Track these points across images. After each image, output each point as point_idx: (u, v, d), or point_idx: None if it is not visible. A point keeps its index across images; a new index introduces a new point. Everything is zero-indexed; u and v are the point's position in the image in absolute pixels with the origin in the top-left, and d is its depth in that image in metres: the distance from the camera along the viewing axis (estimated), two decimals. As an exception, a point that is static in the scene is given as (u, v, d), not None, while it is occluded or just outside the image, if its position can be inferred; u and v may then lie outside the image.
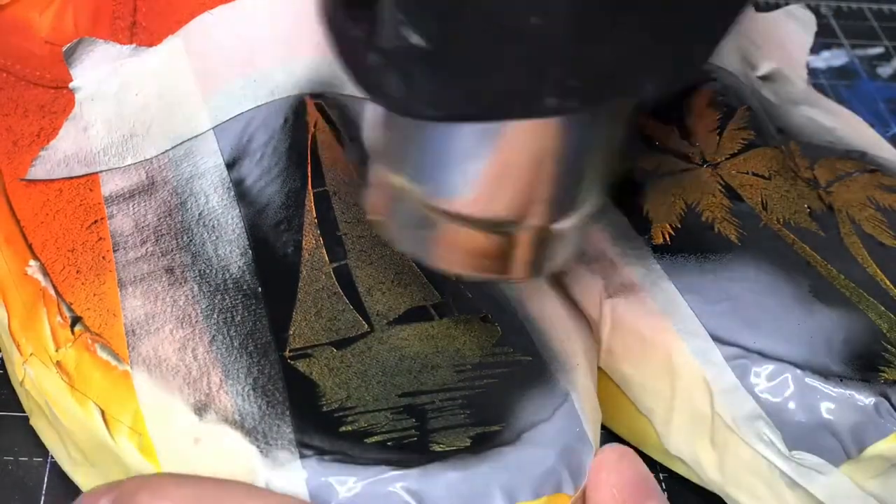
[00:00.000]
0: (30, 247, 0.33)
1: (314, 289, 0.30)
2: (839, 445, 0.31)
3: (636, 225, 0.35)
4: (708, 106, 0.37)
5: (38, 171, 0.34)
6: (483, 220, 0.26)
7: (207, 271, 0.31)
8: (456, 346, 0.30)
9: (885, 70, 0.54)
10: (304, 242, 0.31)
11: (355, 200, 0.32)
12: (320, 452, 0.27)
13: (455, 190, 0.26)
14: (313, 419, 0.28)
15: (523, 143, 0.25)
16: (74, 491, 0.32)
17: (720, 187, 0.35)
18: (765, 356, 0.31)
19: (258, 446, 0.27)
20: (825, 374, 0.31)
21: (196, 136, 0.33)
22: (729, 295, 0.33)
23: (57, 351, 0.31)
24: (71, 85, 0.34)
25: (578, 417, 0.29)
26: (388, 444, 0.28)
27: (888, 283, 0.33)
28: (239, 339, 0.29)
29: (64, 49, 0.34)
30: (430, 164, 0.26)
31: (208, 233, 0.32)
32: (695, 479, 0.34)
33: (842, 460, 0.31)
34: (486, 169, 0.25)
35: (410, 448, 0.28)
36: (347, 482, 0.27)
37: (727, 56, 0.39)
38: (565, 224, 0.27)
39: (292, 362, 0.29)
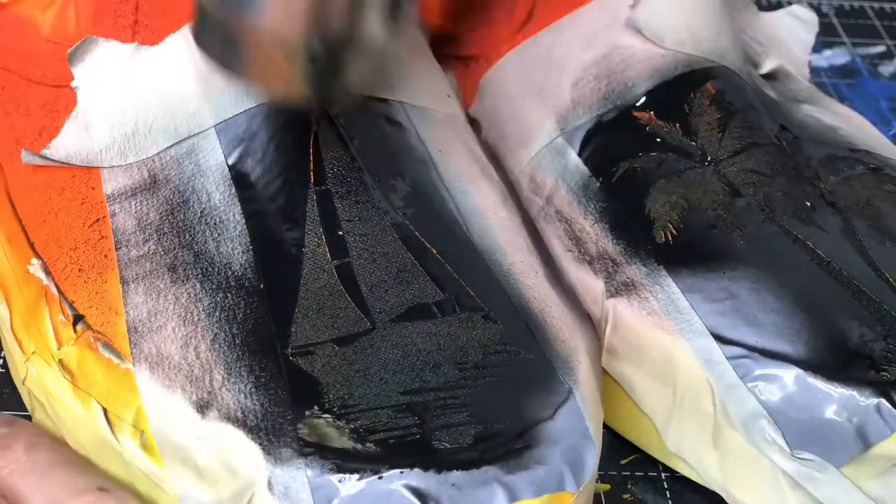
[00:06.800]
0: (31, 245, 0.33)
1: (316, 286, 0.30)
2: (842, 445, 0.31)
3: (638, 224, 0.35)
4: (710, 104, 0.37)
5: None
6: (273, 40, 0.30)
7: (209, 269, 0.31)
8: (458, 343, 0.30)
9: (886, 69, 0.54)
10: (306, 240, 0.31)
11: (357, 198, 0.32)
12: (322, 450, 0.27)
13: (251, 13, 0.29)
14: (315, 417, 0.28)
15: None
16: (76, 489, 0.32)
17: (722, 185, 0.35)
18: (767, 355, 0.31)
19: (261, 444, 0.27)
20: (827, 374, 0.31)
21: (198, 134, 0.33)
22: (731, 293, 0.33)
23: (59, 349, 0.31)
24: (73, 83, 0.34)
25: (581, 416, 0.29)
26: (391, 441, 0.28)
27: (892, 281, 0.33)
28: (241, 336, 0.30)
29: (69, 52, 0.34)
30: None
31: (210, 231, 0.32)
32: (696, 479, 0.34)
33: (844, 460, 0.31)
34: None
35: (413, 446, 0.28)
36: (350, 480, 0.27)
37: (729, 54, 0.39)
38: (350, 55, 0.30)
39: (294, 360, 0.29)
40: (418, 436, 0.28)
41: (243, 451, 0.28)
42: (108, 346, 0.30)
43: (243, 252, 0.31)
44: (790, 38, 0.44)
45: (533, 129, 0.38)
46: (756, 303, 0.32)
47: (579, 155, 0.37)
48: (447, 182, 0.34)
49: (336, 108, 0.33)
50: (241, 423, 0.28)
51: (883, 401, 0.30)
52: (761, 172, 0.36)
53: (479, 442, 0.28)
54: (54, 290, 0.32)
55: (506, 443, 0.28)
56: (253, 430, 0.28)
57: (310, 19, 0.29)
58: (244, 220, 0.32)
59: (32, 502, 0.28)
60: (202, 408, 0.28)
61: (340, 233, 0.32)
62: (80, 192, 0.33)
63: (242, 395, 0.28)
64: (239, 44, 0.30)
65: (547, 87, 0.39)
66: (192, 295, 0.30)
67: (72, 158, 0.34)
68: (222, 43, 0.30)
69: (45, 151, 0.34)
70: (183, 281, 0.31)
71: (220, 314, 0.30)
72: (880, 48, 0.55)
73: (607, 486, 0.34)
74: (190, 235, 0.32)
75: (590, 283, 0.35)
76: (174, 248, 0.32)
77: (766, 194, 0.35)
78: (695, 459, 0.33)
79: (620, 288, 0.34)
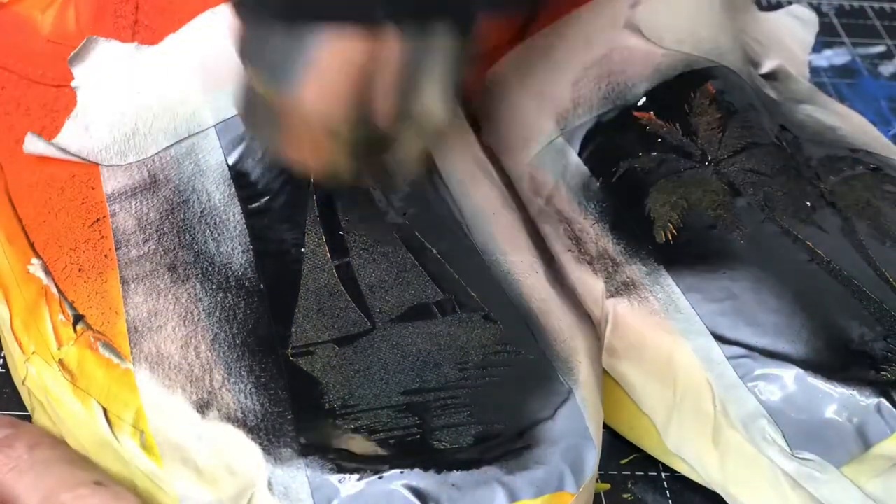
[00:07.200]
0: (32, 245, 0.33)
1: (316, 286, 0.30)
2: (842, 445, 0.31)
3: (638, 224, 0.35)
4: (710, 104, 0.37)
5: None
6: (315, 120, 0.28)
7: (209, 269, 0.31)
8: (458, 344, 0.30)
9: (886, 69, 0.54)
10: (305, 240, 0.31)
11: (357, 198, 0.32)
12: (322, 450, 0.27)
13: (292, 91, 0.28)
14: (315, 417, 0.28)
15: (349, 50, 0.27)
16: (76, 489, 0.32)
17: (722, 185, 0.35)
18: (767, 355, 0.31)
19: (261, 444, 0.27)
20: (827, 374, 0.31)
21: (198, 134, 0.33)
22: (731, 293, 0.33)
23: (59, 349, 0.31)
24: (73, 83, 0.34)
25: (581, 416, 0.29)
26: (391, 441, 0.28)
27: (892, 281, 0.33)
28: (241, 336, 0.29)
29: (70, 56, 0.34)
30: (276, 67, 0.28)
31: (210, 230, 0.32)
32: (696, 478, 0.34)
33: (845, 460, 0.31)
34: (316, 73, 0.28)
35: (412, 446, 0.28)
36: (349, 480, 0.27)
37: (730, 54, 0.39)
38: (400, 133, 0.29)
39: (294, 360, 0.29)
40: (418, 436, 0.28)
41: (243, 451, 0.28)
42: (108, 346, 0.30)
43: (243, 252, 0.31)
44: (790, 38, 0.44)
45: (533, 129, 0.38)
46: (756, 303, 0.32)
47: (579, 155, 0.37)
48: (447, 182, 0.34)
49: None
50: (241, 423, 0.28)
51: (883, 400, 0.30)
52: (761, 172, 0.36)
53: (480, 442, 0.28)
54: (54, 290, 0.32)
55: (506, 443, 0.28)
56: (253, 430, 0.28)
57: (353, 101, 0.28)
58: (244, 220, 0.32)
59: (28, 499, 0.28)
60: (202, 408, 0.28)
61: (340, 233, 0.32)
62: (80, 192, 0.33)
63: (242, 395, 0.28)
64: (282, 121, 0.29)
65: (547, 87, 0.39)
66: (192, 295, 0.30)
67: (72, 159, 0.34)
68: (268, 119, 0.30)
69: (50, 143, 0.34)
70: (183, 281, 0.31)
71: (220, 314, 0.30)
72: (880, 48, 0.55)
73: (607, 486, 0.34)
74: (190, 235, 0.32)
75: (590, 283, 0.35)
76: (174, 248, 0.32)
77: (766, 194, 0.35)
78: (695, 459, 0.33)
79: (620, 288, 0.34)
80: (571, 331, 0.32)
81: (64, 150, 0.33)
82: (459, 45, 0.28)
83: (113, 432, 0.29)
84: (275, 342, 0.29)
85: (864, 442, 0.31)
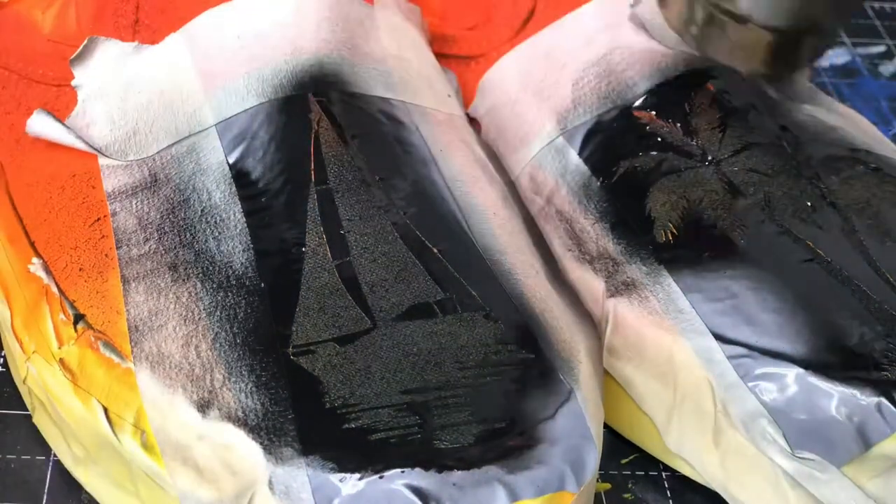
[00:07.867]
0: (32, 244, 0.33)
1: (317, 285, 0.30)
2: (842, 444, 0.31)
3: (639, 223, 0.35)
4: (710, 103, 0.37)
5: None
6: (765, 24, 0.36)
7: (210, 268, 0.31)
8: (459, 343, 0.30)
9: (887, 68, 0.54)
10: (306, 239, 0.31)
11: (358, 197, 0.32)
12: (323, 449, 0.27)
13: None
14: (316, 416, 0.28)
15: None
16: (77, 488, 0.32)
17: (723, 185, 0.35)
18: (767, 354, 0.31)
19: (261, 443, 0.27)
20: (828, 373, 0.31)
21: (198, 133, 0.33)
22: (731, 293, 0.33)
23: (60, 348, 0.31)
24: (73, 82, 0.34)
25: (582, 416, 0.29)
26: (391, 441, 0.27)
27: (892, 281, 0.33)
28: (242, 336, 0.29)
29: (71, 59, 0.34)
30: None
31: (211, 229, 0.32)
32: (697, 478, 0.34)
33: (845, 459, 0.31)
34: None
35: (413, 445, 0.27)
36: (350, 479, 0.27)
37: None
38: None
39: (295, 359, 0.29)
40: (419, 435, 0.28)
41: (244, 450, 0.28)
42: (109, 346, 0.30)
43: (244, 251, 0.31)
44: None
45: (533, 128, 0.38)
46: (756, 302, 0.32)
47: (580, 154, 0.37)
48: (448, 181, 0.34)
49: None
50: (241, 422, 0.28)
51: (883, 400, 0.30)
52: (762, 172, 0.36)
53: (480, 441, 0.28)
54: (55, 290, 0.32)
55: (507, 442, 0.28)
56: (254, 430, 0.28)
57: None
58: (245, 219, 0.32)
59: None
60: (203, 407, 0.28)
61: (341, 232, 0.32)
62: (80, 191, 0.33)
63: (243, 394, 0.28)
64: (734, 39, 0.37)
65: (547, 86, 0.39)
66: (192, 294, 0.30)
67: (75, 144, 0.33)
68: (722, 39, 0.37)
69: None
70: (184, 280, 0.31)
71: (220, 313, 0.30)
72: (880, 48, 0.55)
73: (608, 486, 0.34)
74: (191, 234, 0.32)
75: (590, 283, 0.35)
76: (175, 247, 0.32)
77: (767, 194, 0.35)
78: (695, 459, 0.33)
79: (621, 287, 0.34)
80: (572, 330, 0.32)
81: (69, 129, 0.33)
82: None
83: (114, 432, 0.29)
84: (275, 341, 0.29)
85: (865, 441, 0.31)
